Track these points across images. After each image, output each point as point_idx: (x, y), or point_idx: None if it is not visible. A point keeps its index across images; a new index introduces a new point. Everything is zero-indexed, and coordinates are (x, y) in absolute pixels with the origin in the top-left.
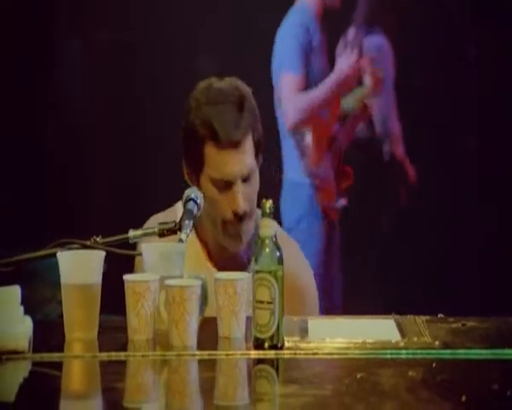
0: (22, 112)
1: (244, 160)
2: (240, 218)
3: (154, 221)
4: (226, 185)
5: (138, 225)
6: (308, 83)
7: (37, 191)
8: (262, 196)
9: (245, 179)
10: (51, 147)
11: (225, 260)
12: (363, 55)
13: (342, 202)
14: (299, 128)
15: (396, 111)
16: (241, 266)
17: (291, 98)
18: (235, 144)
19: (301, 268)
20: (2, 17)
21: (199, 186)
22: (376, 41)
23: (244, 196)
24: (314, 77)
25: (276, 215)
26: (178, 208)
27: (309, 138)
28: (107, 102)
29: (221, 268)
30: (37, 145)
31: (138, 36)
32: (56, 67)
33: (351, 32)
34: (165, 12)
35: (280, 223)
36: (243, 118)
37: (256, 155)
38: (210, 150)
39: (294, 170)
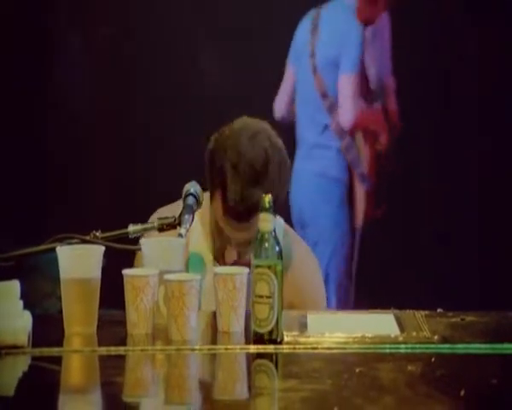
0: (22, 110)
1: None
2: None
3: (159, 215)
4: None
5: (138, 221)
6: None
7: (37, 187)
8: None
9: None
10: (51, 143)
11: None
12: None
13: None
14: (356, 129)
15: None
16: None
17: (350, 99)
18: (239, 217)
19: (315, 284)
20: (2, 16)
21: (212, 204)
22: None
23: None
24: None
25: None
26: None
27: (361, 142)
28: (107, 99)
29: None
30: (38, 141)
31: (138, 34)
32: (56, 65)
33: None
34: (165, 10)
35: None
36: (259, 188)
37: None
38: (217, 199)
39: (332, 165)
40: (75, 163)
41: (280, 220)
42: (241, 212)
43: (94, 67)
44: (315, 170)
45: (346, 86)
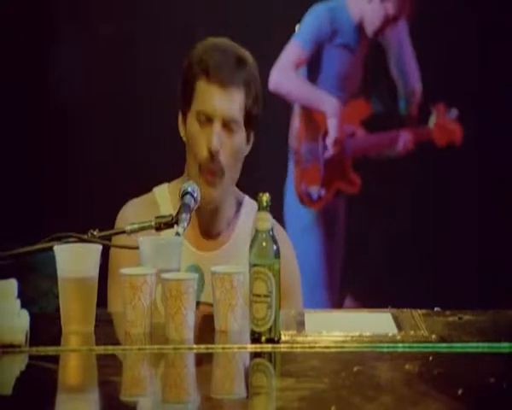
0: (21, 108)
1: (229, 103)
2: (212, 157)
3: (133, 206)
4: (207, 120)
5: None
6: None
7: (34, 185)
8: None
9: (226, 125)
10: (49, 141)
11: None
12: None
13: (322, 192)
14: (279, 93)
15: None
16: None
17: (288, 69)
18: (224, 85)
19: (287, 256)
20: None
21: (186, 127)
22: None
23: (221, 141)
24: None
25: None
26: (157, 194)
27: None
28: (107, 99)
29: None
30: (35, 139)
31: (138, 26)
32: (53, 56)
33: None
34: (164, 1)
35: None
36: (239, 72)
37: (246, 120)
38: (200, 84)
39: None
40: (73, 157)
41: (252, 202)
42: (226, 77)
43: (92, 58)
44: None
45: (288, 50)
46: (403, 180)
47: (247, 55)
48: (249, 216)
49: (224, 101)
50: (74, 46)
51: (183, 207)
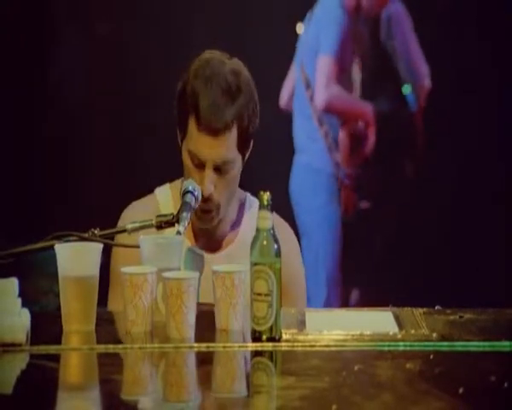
0: (20, 107)
1: (220, 150)
2: (205, 199)
3: (135, 209)
4: (199, 162)
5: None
6: (342, 67)
7: (34, 185)
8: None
9: (218, 168)
10: (50, 140)
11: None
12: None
13: (365, 204)
14: (330, 111)
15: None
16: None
17: (325, 81)
18: (214, 132)
19: (291, 254)
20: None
21: (182, 148)
22: (393, 8)
23: (214, 183)
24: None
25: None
26: (158, 195)
27: (339, 131)
28: (108, 98)
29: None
30: (37, 138)
31: (138, 26)
32: (53, 56)
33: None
34: (164, 8)
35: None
36: (231, 107)
37: (240, 148)
38: (192, 123)
39: (318, 157)
40: (74, 156)
41: (254, 200)
42: (216, 124)
43: (92, 57)
44: (303, 162)
45: (322, 67)
46: (402, 177)
47: (239, 74)
48: (253, 216)
49: (214, 148)
50: (74, 46)
51: (184, 205)
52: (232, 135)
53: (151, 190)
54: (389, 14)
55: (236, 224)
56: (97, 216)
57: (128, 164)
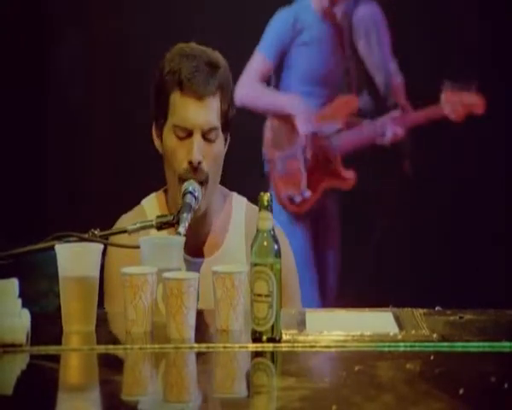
0: (20, 106)
1: (207, 114)
2: (194, 168)
3: (124, 221)
4: (186, 134)
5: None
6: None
7: (34, 185)
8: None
9: (205, 135)
10: (50, 140)
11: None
12: (354, 27)
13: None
14: (246, 107)
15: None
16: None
17: (253, 82)
18: (199, 96)
19: (285, 254)
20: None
21: (162, 141)
22: (367, 10)
23: (202, 152)
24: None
25: None
26: (145, 206)
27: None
28: (108, 97)
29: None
30: (36, 138)
31: (138, 26)
32: (53, 56)
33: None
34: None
35: None
36: (213, 78)
37: (223, 126)
38: (175, 97)
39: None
40: (73, 162)
41: (242, 198)
42: (200, 88)
43: (92, 57)
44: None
45: (250, 64)
46: (401, 174)
47: (219, 57)
48: (240, 215)
49: (201, 112)
50: (74, 46)
51: (185, 206)
52: (216, 103)
53: (150, 191)
54: (361, 15)
55: (224, 224)
56: (97, 216)
57: (130, 164)
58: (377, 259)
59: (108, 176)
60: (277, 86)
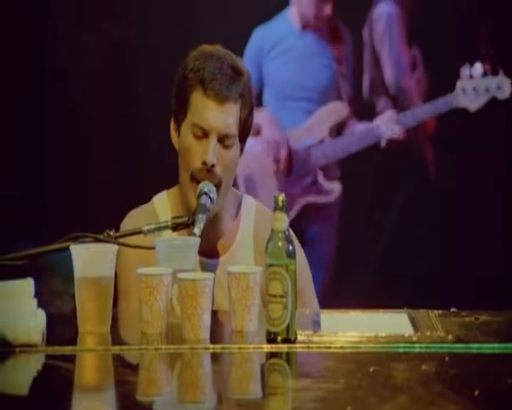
0: (21, 106)
1: (225, 118)
2: (207, 170)
3: (133, 218)
4: (202, 134)
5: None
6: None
7: (34, 185)
8: None
9: (221, 140)
10: (50, 140)
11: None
12: (373, 26)
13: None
14: None
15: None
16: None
17: None
18: (221, 100)
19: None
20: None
21: (180, 136)
22: (385, 9)
23: (217, 155)
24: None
25: None
26: (156, 203)
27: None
28: (109, 97)
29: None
30: (39, 139)
31: (140, 27)
32: (54, 55)
33: None
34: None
35: None
36: (235, 84)
37: (241, 135)
38: (196, 96)
39: None
40: (76, 161)
41: (250, 199)
42: (223, 91)
43: (96, 60)
44: None
45: None
46: (401, 174)
47: (242, 64)
48: (249, 217)
49: (220, 116)
50: (74, 46)
51: (200, 207)
52: (236, 110)
53: (153, 190)
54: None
55: (234, 226)
56: (111, 217)
57: (132, 164)
58: (391, 259)
59: (112, 178)
60: (259, 101)
